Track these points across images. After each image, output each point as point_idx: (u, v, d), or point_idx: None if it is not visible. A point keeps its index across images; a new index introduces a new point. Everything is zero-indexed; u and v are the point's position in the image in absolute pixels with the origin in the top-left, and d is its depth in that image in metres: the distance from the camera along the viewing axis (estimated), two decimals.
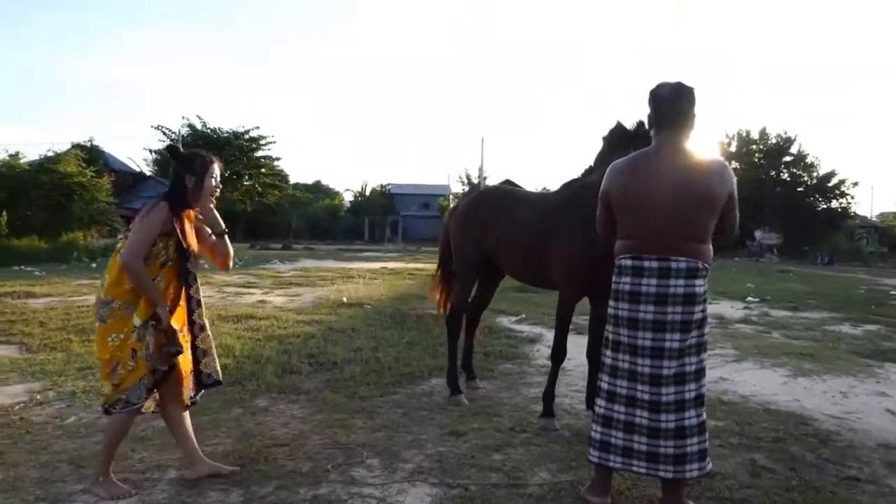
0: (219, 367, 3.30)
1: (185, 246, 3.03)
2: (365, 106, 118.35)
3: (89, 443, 3.59)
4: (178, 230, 2.98)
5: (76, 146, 30.29)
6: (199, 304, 3.19)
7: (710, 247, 2.81)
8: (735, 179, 2.80)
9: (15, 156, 23.69)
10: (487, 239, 4.68)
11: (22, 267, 15.74)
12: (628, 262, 2.83)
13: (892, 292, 15.73)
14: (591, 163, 4.24)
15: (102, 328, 2.91)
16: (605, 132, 4.10)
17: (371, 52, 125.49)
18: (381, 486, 3.10)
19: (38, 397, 4.45)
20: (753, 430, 4.15)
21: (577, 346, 6.52)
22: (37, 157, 24.49)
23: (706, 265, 2.77)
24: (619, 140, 3.88)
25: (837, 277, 21.79)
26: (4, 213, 18.90)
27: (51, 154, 24.37)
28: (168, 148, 3.19)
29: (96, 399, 4.41)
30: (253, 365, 5.41)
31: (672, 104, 2.82)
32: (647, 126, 3.00)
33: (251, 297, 10.59)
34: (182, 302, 3.09)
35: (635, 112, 3.90)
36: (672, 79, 2.92)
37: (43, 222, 21.92)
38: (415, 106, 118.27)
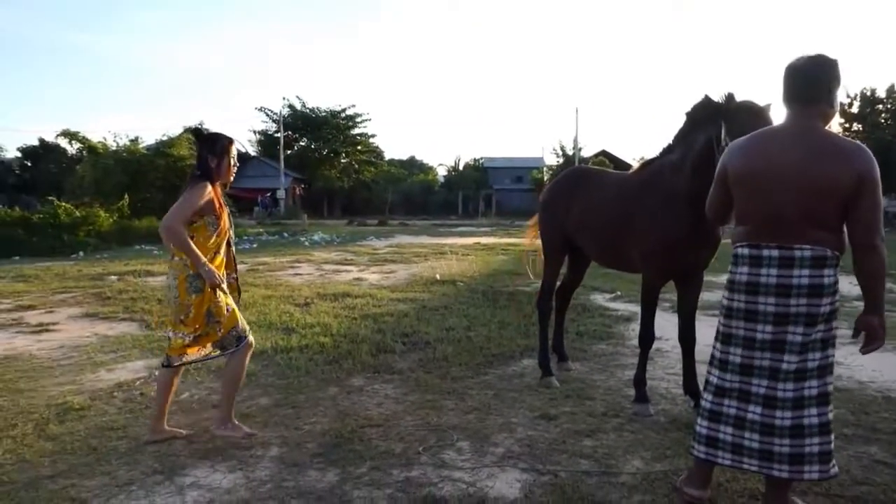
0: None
1: (223, 213, 3.49)
2: (458, 80, 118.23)
3: (201, 418, 3.85)
4: (216, 199, 3.43)
5: (187, 130, 32.10)
6: (235, 267, 3.68)
7: (842, 234, 2.50)
8: (872, 165, 2.42)
9: (135, 141, 25.51)
10: (569, 221, 4.60)
11: (142, 246, 17.02)
12: (745, 251, 2.61)
13: None
14: (671, 141, 4.01)
15: (199, 297, 3.38)
16: (689, 107, 3.83)
17: (463, 26, 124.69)
18: (471, 469, 3.13)
19: (157, 373, 4.80)
20: (870, 420, 3.86)
21: (674, 324, 6.29)
22: (153, 142, 26.22)
23: (836, 252, 2.50)
24: (704, 115, 3.63)
25: None
26: (126, 196, 20.41)
27: (165, 139, 26.01)
28: (193, 131, 3.70)
29: (207, 376, 4.72)
30: (349, 344, 5.60)
31: (805, 76, 2.55)
32: (743, 109, 2.89)
33: (348, 275, 10.93)
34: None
35: (722, 81, 3.65)
36: (806, 52, 2.61)
37: (160, 203, 23.47)
38: (508, 78, 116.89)
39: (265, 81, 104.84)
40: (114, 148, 24.86)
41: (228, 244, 3.60)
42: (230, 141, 3.56)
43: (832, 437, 2.55)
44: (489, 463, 3.20)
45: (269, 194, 42.78)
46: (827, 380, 2.55)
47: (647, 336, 4.10)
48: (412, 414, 3.93)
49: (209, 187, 3.40)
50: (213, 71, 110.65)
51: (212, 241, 3.41)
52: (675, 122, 4.09)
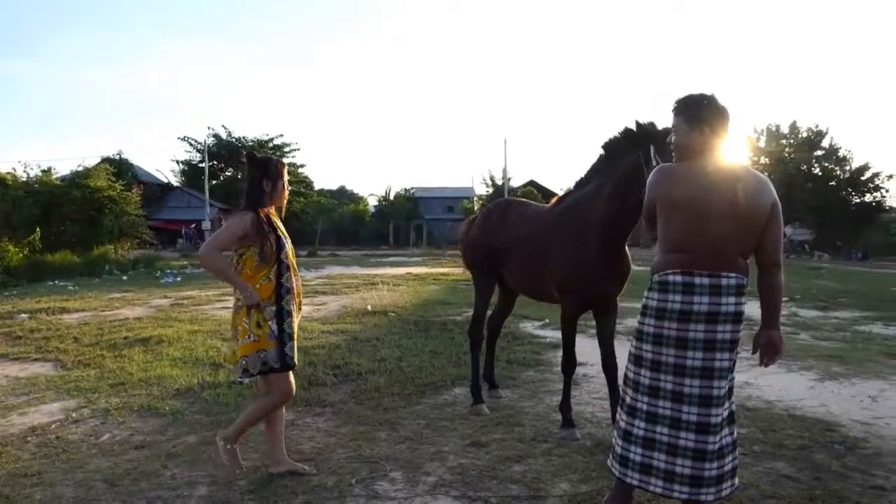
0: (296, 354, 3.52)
1: (275, 239, 3.37)
2: (388, 110, 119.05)
3: (122, 460, 3.70)
4: (267, 226, 3.34)
5: (105, 160, 30.99)
6: (288, 291, 3.41)
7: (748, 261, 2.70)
8: (776, 193, 2.68)
9: (47, 171, 24.32)
10: (495, 251, 4.75)
11: (56, 282, 16.17)
12: (678, 279, 2.64)
13: None
14: (584, 174, 4.23)
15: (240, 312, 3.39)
16: (605, 140, 4.03)
17: (393, 57, 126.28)
18: (403, 499, 3.16)
19: (74, 415, 4.60)
20: (777, 437, 4.12)
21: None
22: (68, 173, 25.11)
23: (747, 280, 2.67)
24: (625, 144, 3.82)
25: (871, 274, 21.34)
26: (38, 230, 19.40)
27: (81, 169, 24.97)
28: (247, 155, 3.54)
29: (129, 416, 4.56)
30: None
31: (725, 118, 2.72)
32: (672, 133, 2.86)
33: None
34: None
35: (643, 114, 3.88)
36: (695, 88, 2.91)
37: (75, 237, 22.51)
38: (438, 109, 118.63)
39: (188, 110, 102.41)
40: (24, 179, 23.64)
41: (294, 271, 3.48)
42: (282, 163, 3.54)
43: (737, 451, 2.72)
44: (421, 492, 3.24)
45: (193, 226, 41.55)
46: (732, 399, 2.71)
47: (569, 363, 4.25)
48: (344, 446, 3.92)
49: (251, 216, 3.31)
50: (132, 99, 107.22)
51: (262, 271, 3.32)
52: (594, 155, 4.26)
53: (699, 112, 2.71)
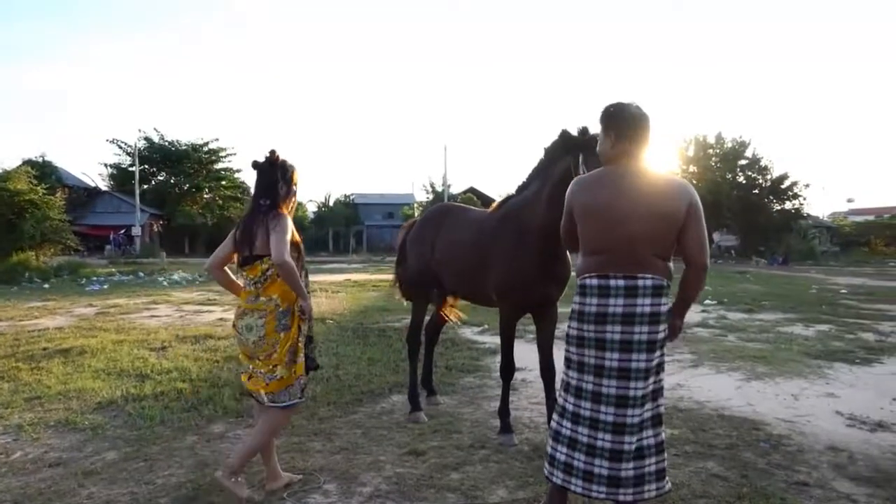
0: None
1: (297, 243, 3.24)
2: (328, 116, 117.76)
3: (35, 479, 3.47)
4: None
5: (27, 162, 29.38)
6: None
7: (671, 263, 2.77)
8: (696, 196, 2.75)
9: None
10: (434, 257, 4.72)
11: None
12: (594, 282, 2.73)
13: (842, 291, 16.24)
14: (525, 178, 4.23)
15: (287, 335, 3.12)
16: (548, 143, 4.00)
17: (331, 58, 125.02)
18: None
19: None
20: (707, 437, 4.23)
21: (537, 355, 6.60)
22: None
23: (668, 282, 2.74)
24: (561, 149, 3.82)
25: (791, 277, 22.41)
26: None
27: (0, 172, 23.58)
28: (270, 155, 3.29)
29: (45, 432, 4.29)
30: (210, 389, 5.31)
31: (644, 124, 2.80)
32: (598, 141, 2.95)
33: (211, 316, 10.41)
34: None
35: (581, 120, 3.89)
36: (624, 97, 2.89)
37: None
38: (378, 115, 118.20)
39: (117, 111, 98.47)
40: None
41: (307, 274, 3.33)
42: (294, 168, 3.36)
43: (665, 455, 2.74)
44: (356, 503, 3.16)
45: (122, 231, 39.93)
46: (659, 402, 2.74)
47: (507, 368, 4.24)
48: (278, 459, 3.78)
49: (288, 218, 3.18)
50: (55, 97, 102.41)
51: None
52: (534, 159, 4.27)
53: (608, 120, 2.85)
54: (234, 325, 3.23)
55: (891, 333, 9.02)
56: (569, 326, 2.84)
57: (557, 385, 3.18)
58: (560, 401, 2.86)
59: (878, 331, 9.26)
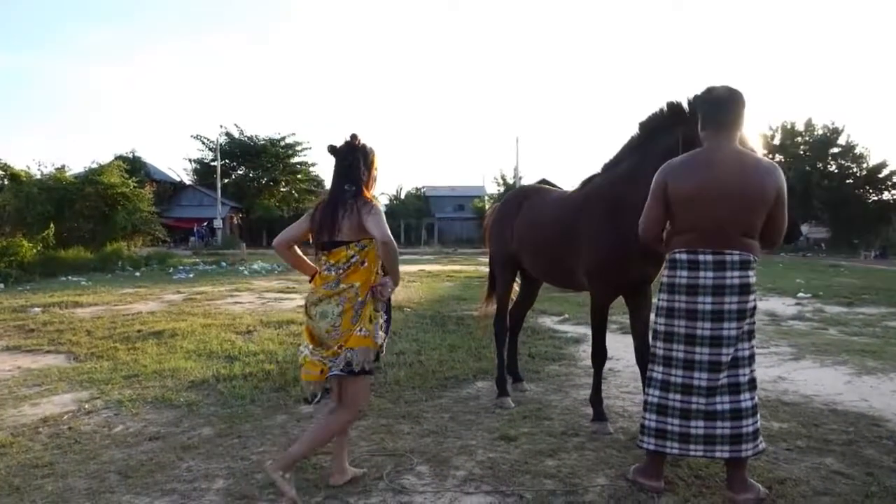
0: None
1: None
2: (400, 109, 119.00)
3: (137, 452, 3.56)
4: None
5: (118, 158, 30.98)
6: None
7: (757, 242, 2.88)
8: (784, 180, 2.85)
9: (61, 169, 24.32)
10: (514, 241, 4.56)
11: (68, 277, 16.14)
12: (683, 256, 2.89)
13: None
14: (615, 155, 3.98)
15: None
16: (646, 117, 3.74)
17: (406, 56, 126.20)
18: (433, 493, 2.99)
19: (87, 406, 4.47)
20: (821, 432, 3.92)
21: (625, 345, 6.36)
22: (82, 170, 25.13)
23: (756, 257, 2.87)
24: (669, 121, 3.55)
25: (891, 272, 20.93)
26: (52, 226, 19.40)
27: (95, 166, 24.97)
28: (351, 139, 3.10)
29: (143, 407, 4.42)
30: (296, 371, 5.33)
31: (729, 107, 2.90)
32: (699, 123, 3.00)
33: (291, 303, 10.62)
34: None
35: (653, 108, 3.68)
36: (715, 81, 3.02)
37: (89, 233, 22.53)
38: (449, 108, 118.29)
39: (200, 108, 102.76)
40: (38, 176, 23.67)
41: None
42: (374, 151, 3.19)
43: (759, 416, 2.90)
44: (451, 487, 3.07)
45: (205, 224, 41.63)
46: (753, 367, 2.90)
47: (600, 354, 4.05)
48: (367, 439, 3.75)
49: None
50: (145, 96, 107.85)
51: (378, 262, 3.01)
52: (613, 146, 4.04)
53: (698, 104, 3.04)
54: (305, 310, 3.04)
55: None
56: (658, 299, 3.01)
57: None
58: (648, 373, 3.06)
59: None
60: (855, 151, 40.14)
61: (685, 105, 3.43)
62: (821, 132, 40.75)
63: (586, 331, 7.71)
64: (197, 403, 4.48)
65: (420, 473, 3.23)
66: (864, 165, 40.04)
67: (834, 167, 40.41)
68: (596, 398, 4.04)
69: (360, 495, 2.98)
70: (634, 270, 3.80)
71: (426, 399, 4.62)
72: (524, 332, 7.33)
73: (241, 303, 10.66)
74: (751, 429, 2.82)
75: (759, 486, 2.91)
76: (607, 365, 5.71)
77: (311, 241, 3.08)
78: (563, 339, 7.07)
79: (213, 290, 12.59)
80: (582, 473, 3.22)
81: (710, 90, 2.97)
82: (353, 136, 3.10)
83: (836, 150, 40.32)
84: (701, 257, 2.83)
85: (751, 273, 2.83)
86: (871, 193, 40.29)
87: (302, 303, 10.37)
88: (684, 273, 2.87)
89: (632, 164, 3.77)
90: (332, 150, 3.09)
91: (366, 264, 2.93)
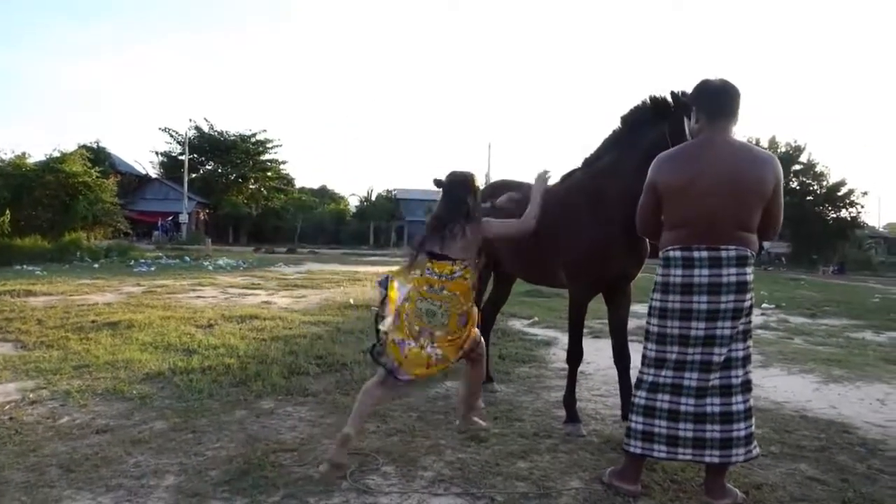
0: None
1: None
2: (372, 111, 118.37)
3: (82, 445, 3.33)
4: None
5: (82, 147, 30.11)
6: None
7: (756, 236, 2.77)
8: (781, 171, 2.77)
9: (21, 156, 23.57)
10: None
11: (24, 266, 15.56)
12: (677, 253, 2.76)
13: None
14: (595, 150, 3.88)
15: (466, 328, 3.32)
16: (628, 111, 3.66)
17: (378, 58, 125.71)
18: (399, 495, 2.83)
19: (31, 396, 4.20)
20: (794, 437, 3.87)
21: (595, 348, 6.29)
22: (43, 158, 24.34)
23: (753, 253, 2.76)
24: (652, 114, 3.48)
25: (849, 286, 21.45)
26: (8, 213, 18.72)
27: (56, 154, 24.22)
28: (454, 176, 3.39)
29: (92, 399, 4.17)
30: (258, 365, 5.15)
31: (725, 98, 2.82)
32: (693, 114, 2.93)
33: (256, 298, 10.34)
34: None
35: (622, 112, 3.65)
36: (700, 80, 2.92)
37: (47, 222, 21.83)
38: (422, 111, 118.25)
39: (170, 101, 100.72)
40: None
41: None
42: (473, 176, 3.44)
43: (753, 421, 2.78)
44: (419, 488, 2.91)
45: (170, 218, 40.76)
46: (748, 368, 2.78)
47: (575, 354, 3.94)
48: (330, 437, 3.55)
49: None
50: (113, 87, 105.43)
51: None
52: (584, 155, 4.01)
53: (692, 97, 2.93)
54: (404, 306, 3.25)
55: None
56: (651, 299, 2.87)
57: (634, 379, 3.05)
58: (638, 375, 2.91)
59: None
60: (816, 170, 41.15)
61: (669, 99, 3.36)
62: (784, 150, 41.68)
63: (556, 334, 7.65)
64: (150, 396, 4.25)
65: (386, 474, 3.07)
66: (824, 183, 41.06)
67: (796, 184, 41.35)
68: (570, 399, 3.93)
69: (322, 495, 2.81)
70: (615, 266, 3.70)
71: (393, 397, 4.46)
72: (494, 333, 7.21)
73: (203, 297, 10.35)
74: (743, 433, 2.70)
75: (737, 490, 2.83)
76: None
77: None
78: (534, 342, 6.97)
79: (175, 284, 12.22)
80: (555, 476, 3.09)
81: (705, 82, 2.88)
82: (469, 176, 3.37)
83: (797, 167, 41.27)
84: (696, 254, 2.71)
85: (748, 270, 2.72)
86: (830, 211, 41.31)
87: (266, 298, 10.10)
88: (678, 271, 2.74)
89: (612, 158, 3.69)
90: (439, 184, 3.44)
91: (467, 279, 3.25)
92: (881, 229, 55.71)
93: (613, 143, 3.74)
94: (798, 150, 41.41)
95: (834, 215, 41.27)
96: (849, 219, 41.05)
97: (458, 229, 3.20)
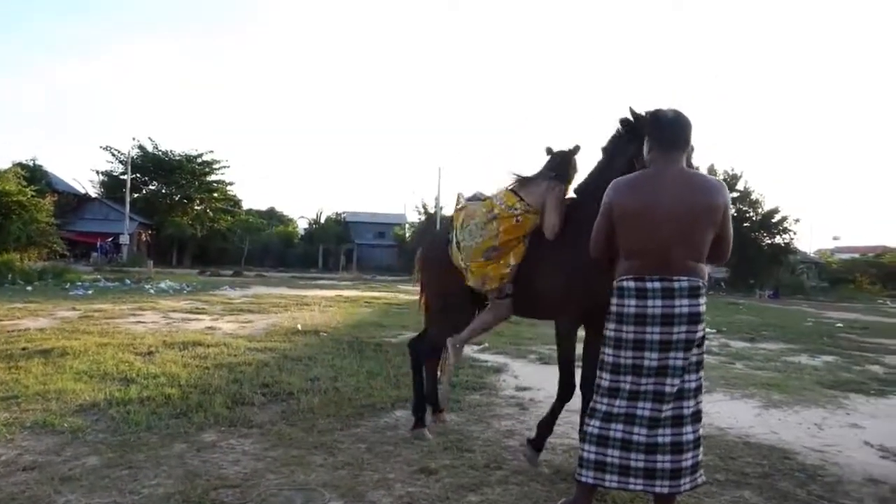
0: None
1: None
2: (322, 133, 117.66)
3: (7, 484, 3.12)
4: None
5: (17, 164, 28.89)
6: None
7: (705, 265, 2.83)
8: (729, 196, 2.85)
9: None
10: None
11: None
12: (631, 284, 2.79)
13: (838, 325, 16.09)
14: (586, 177, 3.83)
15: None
16: (607, 140, 3.65)
17: (328, 80, 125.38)
18: None
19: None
20: (738, 464, 3.94)
21: (544, 375, 6.30)
22: None
23: (705, 283, 2.80)
24: (625, 141, 3.48)
25: (784, 310, 22.29)
26: None
27: None
28: (574, 149, 3.96)
29: (20, 433, 3.94)
30: (200, 395, 4.96)
31: (678, 129, 2.88)
32: (646, 145, 2.99)
33: (199, 324, 10.03)
34: None
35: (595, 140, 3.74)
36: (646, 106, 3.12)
37: None
38: (372, 134, 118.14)
39: (113, 120, 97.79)
40: None
41: None
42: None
43: (702, 449, 2.82)
44: None
45: (110, 239, 39.33)
46: (699, 399, 2.81)
47: (567, 388, 3.69)
48: (275, 472, 3.46)
49: None
50: (49, 105, 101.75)
51: None
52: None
53: (647, 127, 3.01)
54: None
55: None
56: (606, 329, 2.91)
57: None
58: (597, 405, 2.90)
59: (885, 363, 9.06)
60: (752, 197, 42.88)
61: (631, 118, 3.39)
62: (722, 177, 43.33)
63: (507, 360, 7.66)
64: (83, 429, 4.03)
65: None
66: (759, 210, 42.80)
67: (733, 211, 42.90)
68: (546, 432, 3.77)
69: None
70: (601, 295, 3.61)
71: (341, 428, 4.36)
72: (445, 359, 7.17)
73: (143, 322, 9.98)
74: (690, 462, 2.73)
75: None
76: (528, 395, 5.67)
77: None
78: (484, 369, 6.95)
79: (114, 308, 11.75)
80: None
81: (656, 112, 2.95)
82: (574, 149, 3.91)
83: (735, 194, 42.93)
84: (649, 285, 2.74)
85: (700, 301, 2.75)
86: (765, 237, 43.02)
87: (211, 324, 9.84)
88: (632, 302, 2.77)
89: (596, 187, 3.63)
90: (549, 151, 3.96)
91: (518, 222, 3.74)
92: (812, 255, 58.21)
93: (598, 172, 3.69)
94: (735, 178, 43.09)
95: (769, 241, 42.99)
96: (783, 245, 42.82)
97: (541, 180, 3.74)
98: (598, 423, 2.83)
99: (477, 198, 4.16)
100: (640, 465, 2.72)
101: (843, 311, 23.49)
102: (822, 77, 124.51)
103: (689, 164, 3.00)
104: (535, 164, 4.06)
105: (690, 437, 2.75)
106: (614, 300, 2.87)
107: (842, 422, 5.29)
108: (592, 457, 2.81)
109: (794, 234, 42.78)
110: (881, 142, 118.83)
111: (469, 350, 8.31)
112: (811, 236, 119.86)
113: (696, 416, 2.79)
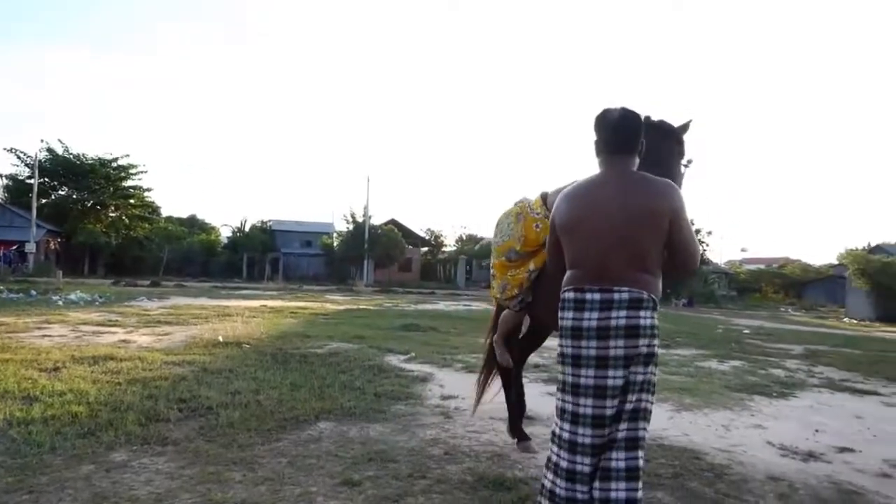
0: None
1: None
2: (246, 139, 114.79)
3: None
4: None
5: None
6: None
7: (659, 279, 2.60)
8: (683, 201, 2.59)
9: None
10: None
11: None
12: (571, 295, 2.62)
13: (745, 331, 17.06)
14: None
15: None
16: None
17: (253, 84, 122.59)
18: None
19: None
20: (652, 466, 4.10)
21: (470, 385, 6.35)
22: None
23: (653, 296, 2.55)
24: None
25: (697, 318, 23.40)
26: None
27: None
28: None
29: None
30: (110, 413, 4.73)
31: (619, 130, 2.66)
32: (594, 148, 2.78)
33: (112, 337, 9.56)
34: None
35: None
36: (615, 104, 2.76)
37: None
38: (299, 141, 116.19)
39: (20, 122, 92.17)
40: None
41: None
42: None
43: (640, 484, 2.47)
44: None
45: (14, 247, 36.98)
46: (639, 424, 2.50)
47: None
48: (190, 490, 3.33)
49: None
50: None
51: None
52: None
53: (594, 128, 2.75)
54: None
55: (797, 370, 9.44)
56: (558, 344, 2.71)
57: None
58: (555, 429, 2.67)
59: (786, 367, 9.67)
60: None
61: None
62: None
63: (432, 370, 7.69)
64: None
65: None
66: None
67: None
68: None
69: None
70: None
71: (262, 443, 4.26)
72: (370, 370, 7.17)
73: (50, 336, 9.42)
74: (623, 495, 2.43)
75: None
76: (453, 403, 5.71)
77: None
78: (409, 378, 6.95)
79: (17, 322, 11.04)
80: None
81: (603, 112, 2.72)
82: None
83: None
84: (588, 296, 2.55)
85: (642, 314, 2.49)
86: None
87: (125, 336, 9.40)
88: (570, 314, 2.60)
89: None
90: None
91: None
92: (723, 265, 61.39)
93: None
94: None
95: None
96: None
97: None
98: (554, 448, 2.61)
99: (523, 200, 4.15)
100: (587, 496, 2.46)
101: (749, 318, 24.94)
102: (728, 99, 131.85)
103: (678, 171, 2.96)
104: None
105: (621, 464, 2.45)
106: (559, 313, 2.68)
107: (747, 423, 5.60)
108: (547, 484, 2.59)
109: (707, 245, 45.15)
110: (786, 158, 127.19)
111: (395, 360, 8.30)
112: (721, 248, 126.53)
113: (632, 444, 2.48)
